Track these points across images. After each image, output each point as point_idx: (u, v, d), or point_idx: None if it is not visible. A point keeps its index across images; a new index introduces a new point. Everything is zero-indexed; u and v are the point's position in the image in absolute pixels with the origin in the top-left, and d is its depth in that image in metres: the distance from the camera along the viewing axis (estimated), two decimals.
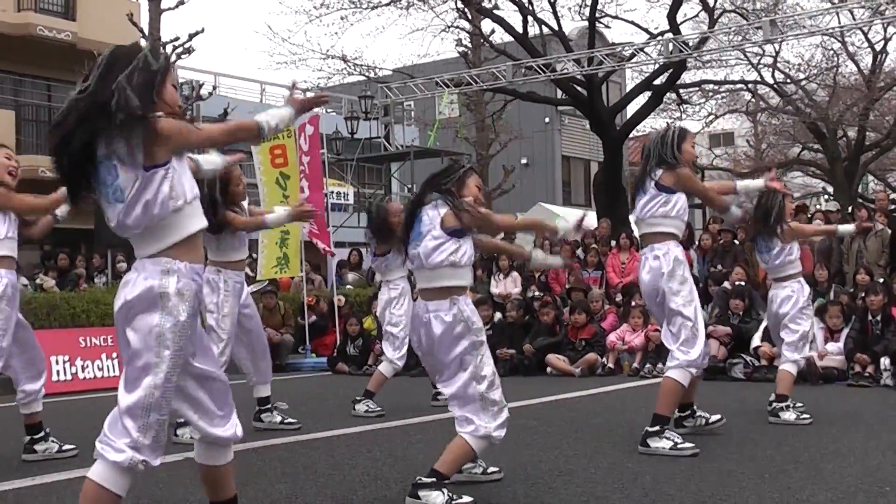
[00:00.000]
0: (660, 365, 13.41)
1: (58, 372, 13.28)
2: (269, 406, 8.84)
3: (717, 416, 7.97)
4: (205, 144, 4.69)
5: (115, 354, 13.98)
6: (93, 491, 4.06)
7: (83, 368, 13.65)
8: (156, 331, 4.09)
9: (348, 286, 19.21)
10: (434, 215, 5.69)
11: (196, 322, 4.27)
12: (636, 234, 7.69)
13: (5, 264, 7.52)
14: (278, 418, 8.84)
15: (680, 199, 7.45)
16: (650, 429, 7.13)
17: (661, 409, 7.25)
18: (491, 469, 6.22)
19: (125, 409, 4.11)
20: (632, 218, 7.86)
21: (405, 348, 9.81)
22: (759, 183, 8.40)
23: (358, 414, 9.78)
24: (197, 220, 4.28)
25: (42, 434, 7.65)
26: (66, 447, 7.65)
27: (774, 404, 8.75)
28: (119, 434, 4.09)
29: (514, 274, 16.72)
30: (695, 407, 7.96)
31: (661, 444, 7.03)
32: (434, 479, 5.40)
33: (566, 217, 6.97)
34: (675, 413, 7.69)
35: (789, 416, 8.62)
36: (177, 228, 4.19)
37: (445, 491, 5.38)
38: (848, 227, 10.04)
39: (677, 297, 7.31)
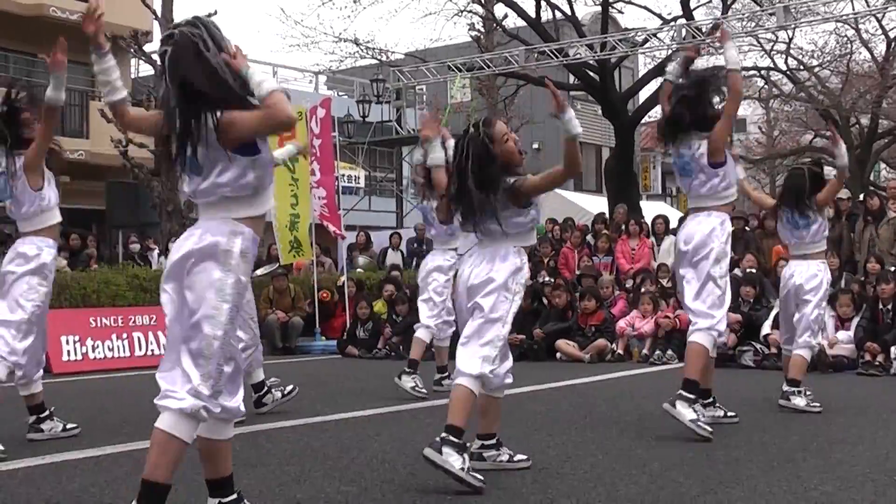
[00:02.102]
0: (669, 351, 13.45)
1: (68, 352, 13.33)
2: (267, 388, 8.82)
3: (733, 413, 7.94)
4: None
5: (125, 335, 14.03)
6: (162, 438, 4.22)
7: (93, 349, 13.68)
8: (217, 284, 4.26)
9: (359, 269, 19.22)
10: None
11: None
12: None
13: (54, 233, 7.59)
14: (278, 394, 8.85)
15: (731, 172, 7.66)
16: (685, 393, 7.21)
17: (690, 373, 7.37)
18: (518, 457, 6.20)
19: (186, 359, 4.25)
20: (685, 186, 7.89)
21: (441, 318, 9.97)
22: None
23: (403, 387, 9.75)
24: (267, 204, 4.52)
25: (46, 413, 7.62)
26: (69, 426, 7.63)
27: (786, 388, 8.72)
28: (181, 383, 4.23)
29: None
30: (714, 397, 7.92)
31: (687, 412, 7.10)
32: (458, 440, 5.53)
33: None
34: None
35: (799, 401, 8.59)
36: (250, 206, 4.43)
37: (466, 457, 5.53)
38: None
39: (717, 267, 7.43)
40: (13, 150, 7.31)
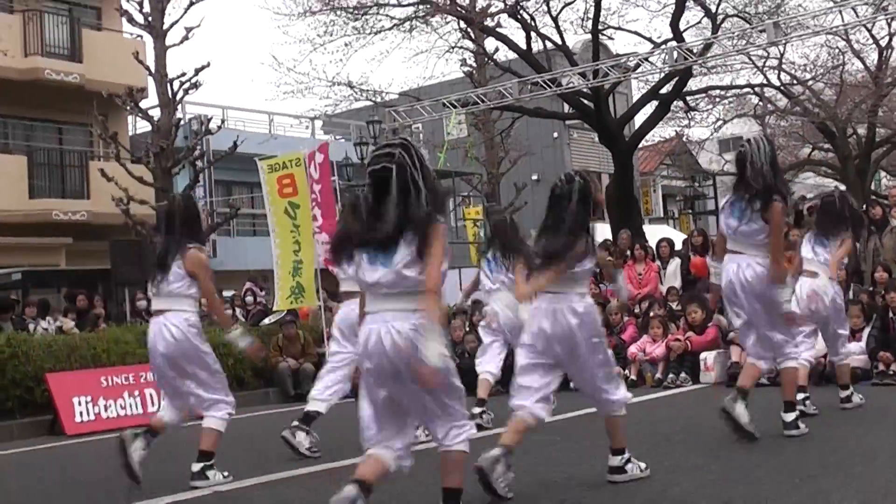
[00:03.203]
0: (682, 374, 13.39)
1: (81, 413, 13.29)
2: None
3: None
4: None
5: (136, 393, 13.99)
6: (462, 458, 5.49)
7: (106, 408, 13.65)
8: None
9: None
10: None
11: None
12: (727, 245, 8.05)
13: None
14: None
15: None
16: (790, 415, 8.02)
17: (788, 396, 8.13)
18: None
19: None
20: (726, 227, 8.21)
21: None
22: None
23: (484, 425, 9.94)
24: None
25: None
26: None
27: (842, 393, 9.78)
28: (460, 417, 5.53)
29: None
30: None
31: (799, 429, 7.97)
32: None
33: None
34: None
35: (858, 398, 9.79)
36: None
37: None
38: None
39: (784, 306, 8.08)
40: None
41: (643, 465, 6.60)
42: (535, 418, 6.48)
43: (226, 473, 7.63)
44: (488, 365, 10.63)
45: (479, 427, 9.98)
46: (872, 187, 40.30)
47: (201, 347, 7.77)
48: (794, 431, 7.94)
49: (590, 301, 6.62)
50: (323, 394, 9.37)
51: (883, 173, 45.75)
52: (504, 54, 29.34)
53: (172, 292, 7.72)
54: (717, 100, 34.22)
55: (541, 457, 7.77)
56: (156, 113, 24.08)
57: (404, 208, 5.05)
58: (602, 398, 6.68)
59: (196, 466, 7.61)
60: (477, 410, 10.44)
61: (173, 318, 7.70)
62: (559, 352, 6.55)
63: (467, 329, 15.64)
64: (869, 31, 32.34)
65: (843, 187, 36.89)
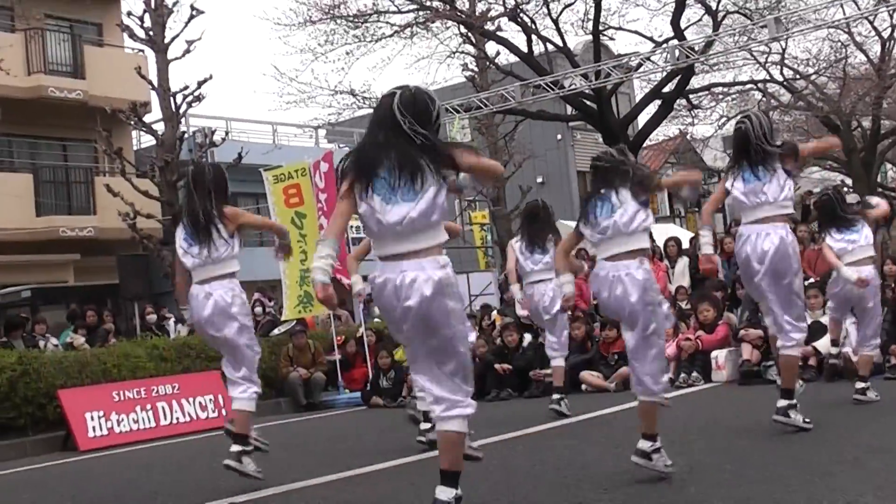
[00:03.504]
0: (694, 373, 13.36)
1: (93, 428, 13.30)
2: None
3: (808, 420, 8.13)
4: None
5: (148, 406, 14.00)
6: (459, 438, 5.35)
7: (118, 423, 13.65)
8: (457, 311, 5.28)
9: (376, 319, 19.19)
10: (624, 193, 6.78)
11: None
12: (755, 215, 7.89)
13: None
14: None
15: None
16: (787, 402, 7.86)
17: (787, 384, 7.96)
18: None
19: (457, 372, 5.36)
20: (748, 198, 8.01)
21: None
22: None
23: (561, 411, 10.58)
24: None
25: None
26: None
27: (859, 385, 9.67)
28: (462, 394, 5.35)
29: None
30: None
31: (797, 418, 7.84)
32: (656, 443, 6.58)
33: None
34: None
35: (873, 394, 9.69)
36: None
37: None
38: None
39: (797, 280, 7.93)
40: None
41: (669, 462, 6.56)
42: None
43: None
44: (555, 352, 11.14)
45: (560, 414, 10.24)
46: (879, 179, 40.21)
47: (242, 321, 7.92)
48: (780, 417, 7.86)
49: (647, 267, 6.70)
50: None
51: (889, 165, 45.61)
52: (505, 58, 29.39)
53: (220, 258, 7.77)
54: (720, 97, 34.22)
55: (555, 458, 7.75)
56: (160, 127, 24.14)
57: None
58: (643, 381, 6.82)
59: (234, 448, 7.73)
60: (556, 397, 10.64)
61: (218, 286, 7.80)
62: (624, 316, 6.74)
63: (477, 334, 15.61)
64: (871, 23, 32.24)
65: (849, 181, 36.91)
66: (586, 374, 14.03)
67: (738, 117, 8.35)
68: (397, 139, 5.12)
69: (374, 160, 5.19)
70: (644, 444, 6.56)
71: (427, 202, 5.06)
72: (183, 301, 8.13)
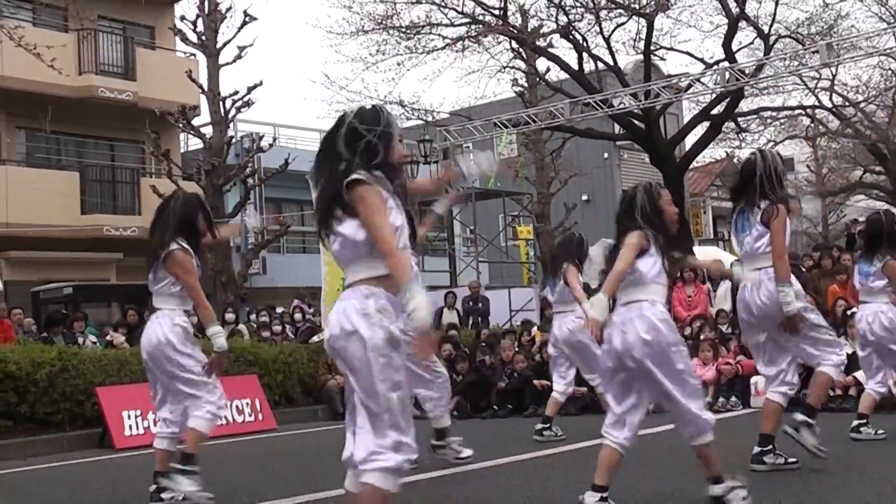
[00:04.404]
0: (733, 398, 13.26)
1: (130, 426, 13.37)
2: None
3: (794, 459, 7.79)
4: None
5: None
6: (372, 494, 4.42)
7: (155, 422, 13.68)
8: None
9: None
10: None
11: None
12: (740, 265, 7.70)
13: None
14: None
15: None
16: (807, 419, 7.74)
17: (764, 428, 7.72)
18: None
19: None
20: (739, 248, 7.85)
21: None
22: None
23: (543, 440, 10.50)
24: None
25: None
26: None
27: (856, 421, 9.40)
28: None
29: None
30: (774, 444, 7.81)
31: (764, 465, 7.61)
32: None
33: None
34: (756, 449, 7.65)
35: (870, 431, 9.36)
36: None
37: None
38: None
39: (813, 314, 7.77)
40: None
41: (743, 495, 6.18)
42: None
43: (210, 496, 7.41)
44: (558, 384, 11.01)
45: (545, 438, 10.35)
46: None
47: (182, 349, 7.57)
48: (757, 466, 7.59)
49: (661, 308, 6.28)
50: None
51: None
52: (556, 74, 29.39)
53: (158, 291, 7.70)
54: (769, 121, 34.05)
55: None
56: (208, 131, 24.29)
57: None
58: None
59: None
60: (539, 427, 10.66)
61: (161, 317, 7.67)
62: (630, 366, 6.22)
63: (517, 349, 15.60)
64: None
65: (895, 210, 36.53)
66: None
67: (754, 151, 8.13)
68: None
69: None
70: (716, 490, 6.19)
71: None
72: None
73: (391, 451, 4.38)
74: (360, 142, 4.58)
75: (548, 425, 10.79)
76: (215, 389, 7.66)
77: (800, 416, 7.73)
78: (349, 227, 4.54)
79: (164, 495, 7.49)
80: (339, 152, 4.62)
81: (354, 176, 4.49)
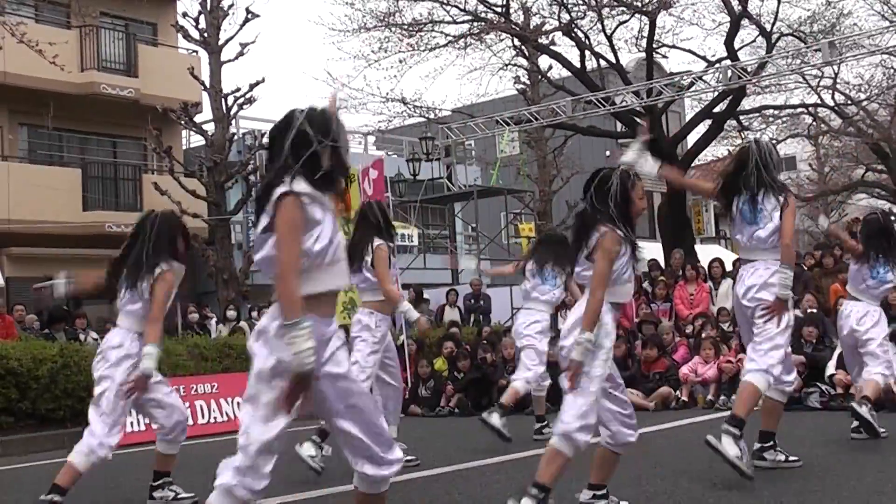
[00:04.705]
0: (734, 396, 13.24)
1: (131, 423, 13.35)
2: None
3: (795, 458, 7.77)
4: None
5: (187, 404, 13.96)
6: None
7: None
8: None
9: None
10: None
11: None
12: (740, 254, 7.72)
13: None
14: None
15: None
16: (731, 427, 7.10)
17: (738, 410, 7.29)
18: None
19: None
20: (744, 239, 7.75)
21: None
22: None
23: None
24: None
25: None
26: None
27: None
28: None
29: None
30: (775, 441, 7.80)
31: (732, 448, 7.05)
32: None
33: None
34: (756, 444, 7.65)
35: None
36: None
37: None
38: None
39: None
40: None
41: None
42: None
43: None
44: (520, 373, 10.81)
45: (545, 437, 10.22)
46: None
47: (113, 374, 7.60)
48: (758, 462, 7.54)
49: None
50: None
51: None
52: (558, 72, 29.36)
53: (123, 308, 7.76)
54: (771, 119, 34.00)
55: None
56: (210, 128, 24.30)
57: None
58: None
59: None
60: (537, 426, 10.64)
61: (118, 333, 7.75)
62: None
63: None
64: None
65: None
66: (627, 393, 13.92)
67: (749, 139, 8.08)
68: None
69: None
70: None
71: None
72: None
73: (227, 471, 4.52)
74: (306, 150, 4.44)
75: (545, 423, 10.72)
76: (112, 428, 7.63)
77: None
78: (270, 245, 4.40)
79: (155, 494, 7.56)
80: (285, 156, 4.50)
81: (284, 188, 4.32)
